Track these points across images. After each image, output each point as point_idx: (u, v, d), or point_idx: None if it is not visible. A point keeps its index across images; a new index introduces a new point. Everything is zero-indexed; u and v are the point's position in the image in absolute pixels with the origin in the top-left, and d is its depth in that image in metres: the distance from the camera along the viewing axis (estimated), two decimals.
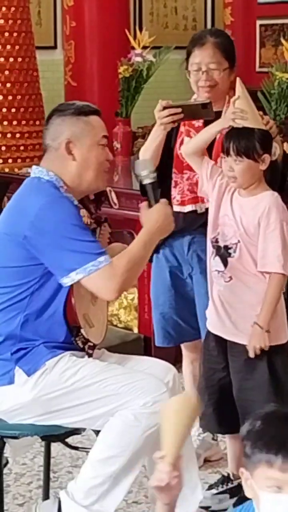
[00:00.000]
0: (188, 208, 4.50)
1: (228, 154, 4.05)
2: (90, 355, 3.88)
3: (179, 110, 4.32)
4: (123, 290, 3.82)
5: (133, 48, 7.82)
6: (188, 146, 4.32)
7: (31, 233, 3.73)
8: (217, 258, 4.16)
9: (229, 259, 4.12)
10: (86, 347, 3.87)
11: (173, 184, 4.53)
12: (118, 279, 3.68)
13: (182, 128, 4.53)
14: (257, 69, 10.51)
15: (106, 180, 4.00)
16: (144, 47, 7.76)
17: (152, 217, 3.83)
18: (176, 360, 6.03)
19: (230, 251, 4.12)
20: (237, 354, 4.17)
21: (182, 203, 4.50)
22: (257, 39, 10.68)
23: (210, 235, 4.18)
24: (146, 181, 3.86)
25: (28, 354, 3.80)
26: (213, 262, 4.18)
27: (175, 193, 4.51)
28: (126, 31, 8.20)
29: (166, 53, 7.72)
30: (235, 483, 4.28)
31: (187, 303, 4.64)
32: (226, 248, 4.12)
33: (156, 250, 4.53)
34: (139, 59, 7.60)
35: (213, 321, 4.26)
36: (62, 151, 3.87)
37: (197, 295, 4.58)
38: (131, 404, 3.70)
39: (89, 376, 3.77)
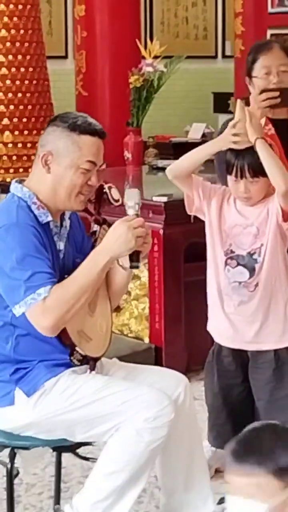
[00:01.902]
0: None
1: (242, 176, 4.03)
2: (92, 369, 3.82)
3: (277, 94, 4.30)
4: (59, 327, 3.62)
5: (144, 57, 7.81)
6: (179, 168, 4.17)
7: None
8: (240, 268, 4.13)
9: (256, 265, 4.12)
10: (84, 362, 3.80)
11: None
12: (49, 316, 3.57)
13: None
14: None
15: (83, 203, 3.77)
16: (155, 57, 7.74)
17: (110, 235, 3.68)
18: (187, 369, 6.05)
19: (254, 256, 4.11)
20: (264, 365, 4.18)
21: None
22: None
23: (219, 249, 4.17)
24: (130, 212, 3.68)
25: (27, 374, 3.75)
26: (231, 275, 4.16)
27: None
28: (137, 41, 8.18)
29: (177, 63, 7.71)
30: None
31: None
32: (250, 254, 4.12)
33: None
34: (150, 69, 7.58)
35: (229, 336, 4.25)
36: (39, 161, 3.75)
37: None
38: (133, 420, 3.65)
39: (88, 394, 3.72)
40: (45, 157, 3.71)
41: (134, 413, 3.65)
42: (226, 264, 4.17)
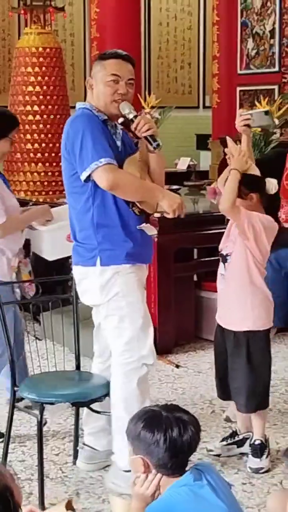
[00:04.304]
0: None
1: None
2: (147, 222, 3.86)
3: (249, 116, 4.25)
4: (113, 188, 3.68)
5: (143, 107, 7.77)
6: (227, 201, 3.91)
7: (66, 140, 3.77)
8: (222, 264, 4.12)
9: (226, 264, 4.08)
10: (142, 213, 3.82)
11: (281, 206, 4.49)
12: (109, 178, 3.64)
13: (287, 165, 4.48)
14: None
15: (116, 108, 3.80)
16: (152, 107, 7.71)
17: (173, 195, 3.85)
18: (175, 344, 6.02)
19: (227, 257, 4.08)
20: (229, 341, 4.13)
21: (287, 221, 4.46)
22: (237, 101, 10.64)
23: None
24: (131, 116, 3.78)
25: (109, 250, 3.79)
26: (219, 268, 4.16)
27: (281, 213, 4.47)
28: (138, 95, 8.14)
29: (169, 112, 7.68)
30: (241, 436, 4.29)
31: None
32: (227, 255, 4.09)
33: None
34: (147, 116, 7.55)
35: (218, 314, 4.23)
36: (90, 82, 3.87)
37: None
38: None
39: (135, 303, 3.84)
40: (89, 82, 3.86)
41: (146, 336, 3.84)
42: (219, 260, 4.17)
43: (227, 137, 4.13)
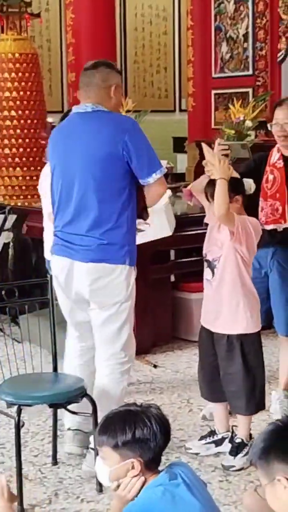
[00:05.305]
0: (270, 227, 4.45)
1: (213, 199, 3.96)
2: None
3: (227, 147, 4.26)
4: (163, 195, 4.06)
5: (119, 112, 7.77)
6: (223, 209, 3.92)
7: (129, 138, 3.81)
8: (208, 269, 4.11)
9: (215, 269, 4.07)
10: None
11: (260, 209, 4.47)
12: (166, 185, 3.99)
13: (267, 168, 4.47)
14: (212, 126, 10.49)
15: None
16: (128, 111, 7.70)
17: None
18: (153, 345, 6.02)
19: (215, 262, 4.07)
20: (221, 345, 4.12)
21: (266, 223, 4.44)
22: (212, 104, 10.66)
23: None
24: None
25: (133, 251, 3.95)
26: (205, 273, 4.14)
27: (261, 215, 4.45)
28: None
29: (144, 115, 7.67)
30: (220, 436, 4.29)
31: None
32: (213, 260, 4.08)
33: None
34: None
35: (204, 318, 4.22)
36: (108, 90, 3.93)
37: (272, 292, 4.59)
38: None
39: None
40: (115, 89, 3.98)
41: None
42: (204, 264, 4.16)
43: (203, 145, 4.12)
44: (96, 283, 3.88)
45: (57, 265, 3.99)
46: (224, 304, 4.09)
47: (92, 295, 3.91)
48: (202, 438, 4.33)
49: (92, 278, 3.87)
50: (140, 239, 4.49)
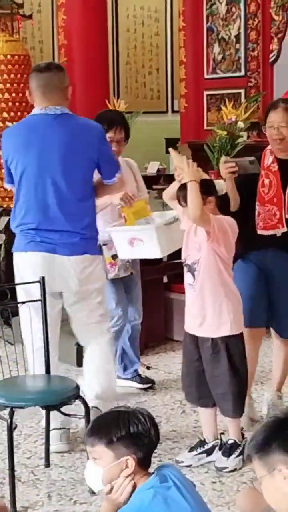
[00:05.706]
0: (269, 232, 4.39)
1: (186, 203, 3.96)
2: None
3: (234, 164, 4.25)
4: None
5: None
6: (197, 210, 3.90)
7: (101, 144, 4.24)
8: (189, 274, 4.09)
9: (195, 272, 4.05)
10: None
11: (256, 213, 4.42)
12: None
13: (262, 172, 4.40)
14: (205, 127, 10.47)
15: None
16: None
17: None
18: (146, 346, 6.01)
19: (194, 266, 4.05)
20: (206, 349, 4.11)
21: (265, 228, 4.40)
22: (205, 105, 10.64)
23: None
24: None
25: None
26: (186, 278, 4.13)
27: (258, 220, 4.40)
28: (106, 100, 8.13)
29: (136, 117, 7.67)
30: (210, 445, 4.24)
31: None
32: (193, 264, 4.06)
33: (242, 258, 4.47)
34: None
35: (187, 324, 4.20)
36: (66, 92, 4.24)
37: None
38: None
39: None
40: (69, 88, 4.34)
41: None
42: (184, 269, 4.14)
43: (170, 150, 4.23)
44: (82, 273, 4.23)
45: (35, 260, 4.22)
46: (207, 307, 4.08)
47: (81, 283, 4.23)
48: (192, 449, 4.27)
49: (80, 269, 4.21)
50: (129, 255, 4.79)
